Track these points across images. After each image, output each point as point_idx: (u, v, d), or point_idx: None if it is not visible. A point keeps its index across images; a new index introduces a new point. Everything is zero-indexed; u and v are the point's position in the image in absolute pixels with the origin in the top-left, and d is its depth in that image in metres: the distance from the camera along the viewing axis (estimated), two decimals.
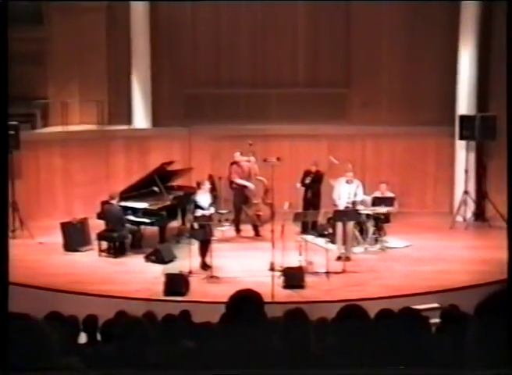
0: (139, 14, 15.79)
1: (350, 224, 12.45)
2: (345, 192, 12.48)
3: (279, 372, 3.29)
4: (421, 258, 12.46)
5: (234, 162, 14.01)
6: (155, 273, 11.73)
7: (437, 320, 6.65)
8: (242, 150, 14.05)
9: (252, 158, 13.94)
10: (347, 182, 12.53)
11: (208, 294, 10.68)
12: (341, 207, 12.42)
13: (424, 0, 15.34)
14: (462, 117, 14.81)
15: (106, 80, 16.40)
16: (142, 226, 13.23)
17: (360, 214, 12.77)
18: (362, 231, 13.12)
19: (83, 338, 6.71)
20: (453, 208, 15.30)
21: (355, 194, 12.49)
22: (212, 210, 12.20)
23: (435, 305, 9.85)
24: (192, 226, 12.10)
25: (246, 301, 3.41)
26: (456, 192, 15.32)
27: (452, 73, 15.28)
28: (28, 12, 15.39)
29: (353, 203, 12.47)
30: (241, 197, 13.88)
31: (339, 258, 12.21)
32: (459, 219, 14.86)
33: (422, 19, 15.94)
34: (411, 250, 13.08)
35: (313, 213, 12.94)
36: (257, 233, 13.87)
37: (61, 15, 15.84)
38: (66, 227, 13.14)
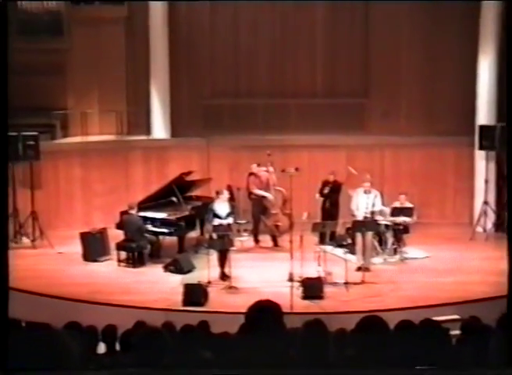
0: (157, 24, 15.88)
1: (369, 235, 12.39)
2: (363, 202, 12.44)
3: (278, 372, 3.28)
4: (441, 270, 12.36)
5: (252, 173, 14.02)
6: (174, 283, 11.73)
7: (457, 332, 6.59)
8: (260, 160, 14.06)
9: (271, 169, 13.94)
10: (365, 192, 12.49)
11: (227, 304, 10.66)
12: (359, 217, 12.37)
13: (442, 0, 15.21)
14: (482, 127, 14.73)
15: (125, 90, 16.50)
16: (161, 237, 13.27)
17: (379, 224, 12.72)
18: (381, 242, 13.06)
19: (102, 348, 6.72)
20: (473, 219, 15.19)
21: (373, 205, 12.44)
22: (230, 220, 12.20)
23: (456, 316, 9.77)
24: (211, 237, 12.11)
25: (265, 312, 3.40)
26: (476, 203, 15.22)
27: (471, 83, 15.21)
28: (48, 23, 15.55)
29: (372, 213, 12.42)
30: (260, 207, 13.87)
31: (358, 268, 12.15)
32: (479, 229, 14.75)
33: (441, 29, 15.90)
34: (431, 261, 12.99)
35: (331, 223, 12.90)
36: (275, 244, 13.84)
37: (80, 26, 15.97)
38: (85, 237, 13.19)
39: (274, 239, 13.86)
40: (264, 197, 13.81)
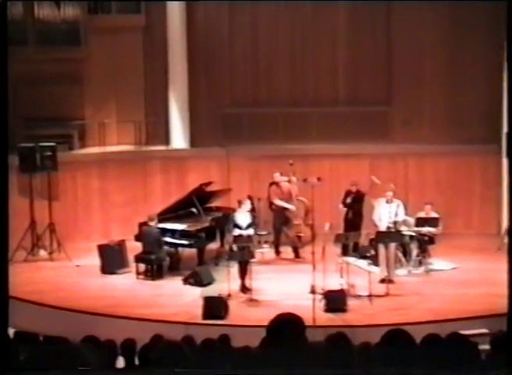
0: (176, 33, 15.95)
1: (392, 246, 12.33)
2: (385, 213, 12.39)
3: (278, 372, 3.26)
4: (468, 281, 12.27)
5: (273, 183, 14.01)
6: (194, 296, 11.74)
7: (487, 347, 6.51)
8: (282, 170, 14.06)
9: (293, 179, 13.92)
10: (387, 202, 12.45)
11: (248, 317, 10.65)
12: (382, 228, 12.32)
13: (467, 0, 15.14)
14: (509, 134, 14.60)
15: (143, 100, 16.58)
16: (180, 249, 13.28)
17: (403, 235, 12.66)
18: (406, 253, 12.98)
19: (121, 363, 6.72)
20: (501, 229, 15.05)
21: (396, 214, 12.39)
22: (251, 231, 12.19)
23: (484, 330, 9.67)
24: (231, 248, 12.10)
25: (287, 325, 3.39)
26: (504, 212, 15.09)
27: (498, 88, 15.10)
28: (66, 33, 15.69)
29: (395, 223, 12.36)
30: (281, 218, 13.85)
31: (382, 280, 12.09)
32: (507, 240, 14.60)
33: (465, 33, 15.82)
34: (457, 273, 12.89)
35: (354, 234, 12.85)
36: (297, 255, 13.81)
37: (98, 35, 16.09)
38: (103, 249, 13.23)
39: (295, 250, 13.83)
40: (285, 208, 13.78)
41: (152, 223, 12.87)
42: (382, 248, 12.30)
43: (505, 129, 14.93)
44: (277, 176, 13.94)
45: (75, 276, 12.97)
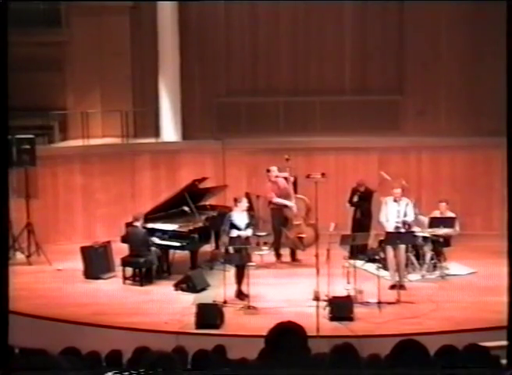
0: (167, 15, 15.94)
1: (403, 248, 12.33)
2: (393, 212, 12.37)
3: (277, 371, 3.25)
4: (488, 288, 12.25)
5: (270, 179, 13.97)
6: (186, 302, 11.74)
7: None
8: (281, 165, 14.04)
9: (291, 178, 13.83)
10: (395, 200, 12.43)
11: (245, 326, 10.66)
12: (390, 229, 12.31)
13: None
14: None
15: (131, 88, 16.58)
16: (171, 251, 13.28)
17: (416, 237, 12.65)
18: (419, 256, 12.98)
19: None
20: None
21: (405, 214, 12.39)
22: (249, 232, 12.19)
23: (506, 342, 9.66)
24: (227, 250, 12.10)
25: (287, 335, 3.38)
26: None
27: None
28: (45, 13, 15.66)
29: (404, 223, 12.35)
30: (280, 218, 13.85)
31: (392, 286, 12.09)
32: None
33: (485, 16, 15.78)
34: (476, 278, 12.89)
35: (362, 236, 12.85)
36: (293, 258, 13.87)
37: (81, 17, 16.09)
38: (87, 252, 13.22)
39: (292, 252, 13.87)
40: (285, 206, 13.78)
41: (140, 223, 12.87)
42: (390, 251, 12.29)
43: None
44: (275, 171, 13.88)
45: (55, 282, 12.96)
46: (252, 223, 12.50)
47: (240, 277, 11.87)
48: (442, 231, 12.92)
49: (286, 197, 13.81)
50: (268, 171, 13.91)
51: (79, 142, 16.01)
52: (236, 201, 12.59)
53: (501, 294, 11.85)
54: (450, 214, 13.30)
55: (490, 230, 15.58)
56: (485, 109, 15.96)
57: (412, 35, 16.20)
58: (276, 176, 13.84)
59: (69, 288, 12.69)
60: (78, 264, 13.20)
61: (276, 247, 14.01)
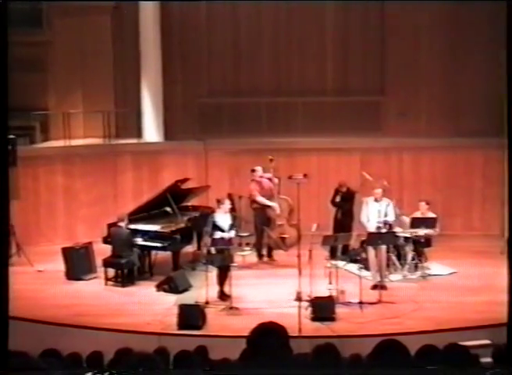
0: (148, 15, 15.91)
1: (384, 248, 12.37)
2: (374, 212, 12.43)
3: (259, 371, 3.26)
4: (469, 288, 12.32)
5: (253, 179, 13.98)
6: (168, 303, 11.71)
7: (488, 360, 6.54)
8: (264, 166, 14.04)
9: (275, 180, 13.83)
10: (376, 201, 12.50)
11: (227, 327, 10.64)
12: (372, 229, 12.36)
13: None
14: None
15: (113, 88, 16.53)
16: (153, 252, 13.24)
17: (397, 237, 12.70)
18: (400, 256, 13.02)
19: None
20: (504, 230, 15.14)
21: (385, 214, 12.44)
22: (232, 233, 12.19)
23: (486, 341, 9.72)
24: (209, 251, 12.09)
25: (269, 336, 3.38)
26: (507, 212, 15.16)
27: (500, 76, 15.14)
28: (26, 13, 15.57)
29: (385, 224, 12.40)
30: (263, 218, 13.86)
31: (374, 286, 12.13)
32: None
33: (466, 18, 15.88)
34: (456, 278, 12.95)
35: (344, 236, 12.87)
36: (269, 255, 13.94)
37: (62, 17, 16.01)
38: (69, 253, 13.17)
39: (269, 250, 13.87)
40: (268, 206, 13.79)
41: (122, 224, 12.84)
42: (371, 251, 12.34)
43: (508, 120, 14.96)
44: (259, 171, 13.88)
45: (37, 283, 12.89)
46: (235, 225, 12.50)
47: (222, 278, 11.87)
48: (423, 232, 12.96)
49: (270, 197, 13.82)
50: (253, 171, 13.91)
51: (60, 143, 15.93)
52: (218, 202, 12.59)
53: (481, 294, 11.96)
54: (431, 214, 13.36)
55: (470, 231, 15.68)
56: (466, 110, 16.06)
57: (393, 36, 16.24)
58: (261, 177, 13.85)
59: (51, 289, 12.63)
60: (59, 265, 13.14)
61: (258, 247, 14.02)
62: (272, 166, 13.87)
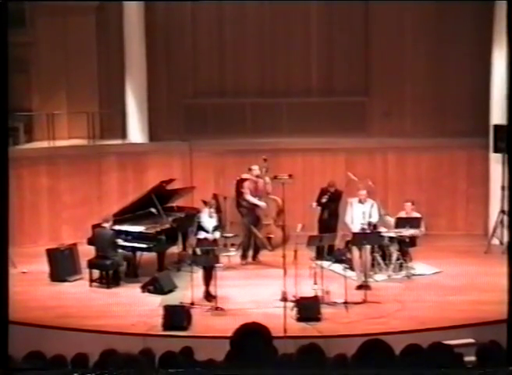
0: (133, 15, 15.86)
1: (368, 248, 12.41)
2: (358, 213, 12.47)
3: (244, 372, 3.26)
4: (453, 287, 12.37)
5: (245, 179, 13.94)
6: (153, 304, 11.70)
7: (472, 358, 6.57)
8: (250, 166, 14.03)
9: (267, 179, 13.84)
10: (360, 202, 12.55)
11: (213, 328, 10.64)
12: (356, 230, 12.39)
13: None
14: (496, 127, 14.76)
15: (97, 89, 16.46)
16: (138, 253, 13.21)
17: (382, 237, 12.73)
18: (385, 256, 13.05)
19: None
20: (488, 230, 15.21)
21: (370, 215, 12.47)
22: (217, 235, 12.18)
23: (470, 340, 9.77)
24: (194, 252, 12.08)
25: (252, 336, 3.37)
26: (492, 211, 15.24)
27: (485, 78, 15.24)
28: (9, 13, 15.46)
29: (369, 225, 12.44)
30: (251, 217, 13.85)
31: (359, 286, 12.15)
32: (495, 242, 14.77)
33: (450, 17, 15.92)
34: (441, 277, 12.99)
35: (329, 236, 12.89)
36: (254, 257, 13.93)
37: (46, 17, 15.94)
38: (53, 254, 13.12)
39: (254, 252, 13.91)
40: (256, 206, 13.78)
41: (107, 225, 12.80)
42: (356, 252, 12.37)
43: (493, 121, 15.04)
44: (255, 170, 13.83)
45: (20, 285, 12.77)
46: (220, 226, 12.50)
47: (207, 279, 11.87)
48: (407, 232, 12.99)
49: (260, 197, 13.82)
50: (250, 170, 13.87)
51: (44, 144, 15.86)
52: (205, 203, 12.59)
53: (465, 294, 12.01)
54: (416, 214, 13.39)
55: (455, 231, 15.74)
56: (450, 111, 16.11)
57: (378, 36, 16.25)
58: (257, 176, 13.82)
59: (35, 291, 12.57)
60: (44, 267, 13.09)
61: (245, 248, 14.00)
62: (266, 166, 13.88)
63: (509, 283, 4.39)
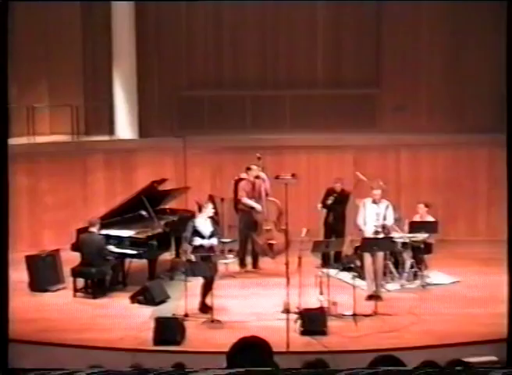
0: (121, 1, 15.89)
1: (381, 255, 12.40)
2: (372, 215, 12.45)
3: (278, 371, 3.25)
4: (473, 298, 12.37)
5: (242, 178, 13.97)
6: (143, 316, 11.69)
7: None
8: (248, 165, 14.05)
9: (262, 174, 13.87)
10: (374, 202, 12.51)
11: (208, 342, 10.63)
12: (368, 234, 12.37)
13: None
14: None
15: (82, 80, 16.48)
16: (127, 260, 13.23)
17: (394, 242, 12.71)
18: (398, 264, 13.06)
19: None
20: None
21: (384, 217, 12.46)
22: (214, 241, 12.16)
23: (493, 358, 9.75)
24: (189, 260, 12.05)
25: (251, 351, 3.37)
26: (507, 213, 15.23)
27: (505, 69, 15.22)
28: None
29: (384, 228, 12.42)
30: (249, 221, 13.86)
31: (369, 297, 12.15)
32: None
33: (470, 7, 15.89)
34: (459, 287, 13.00)
35: (336, 242, 12.90)
36: (255, 265, 13.96)
37: (26, 2, 15.94)
38: (33, 262, 13.13)
39: (254, 259, 13.93)
40: (253, 208, 13.79)
41: (93, 229, 12.80)
42: (368, 258, 12.35)
43: None
44: (254, 169, 13.84)
45: None
46: (217, 232, 12.48)
47: (206, 289, 11.83)
48: (422, 237, 12.99)
49: (258, 199, 13.82)
50: (248, 169, 13.87)
51: (24, 140, 15.89)
52: (200, 205, 12.59)
53: (487, 306, 11.99)
54: (431, 218, 13.39)
55: (475, 236, 15.74)
56: (469, 105, 16.13)
57: (390, 21, 16.28)
58: (256, 177, 13.82)
59: (13, 302, 12.53)
60: (23, 275, 13.07)
61: (241, 255, 14.01)
62: (260, 165, 13.88)
63: (509, 294, 4.37)
